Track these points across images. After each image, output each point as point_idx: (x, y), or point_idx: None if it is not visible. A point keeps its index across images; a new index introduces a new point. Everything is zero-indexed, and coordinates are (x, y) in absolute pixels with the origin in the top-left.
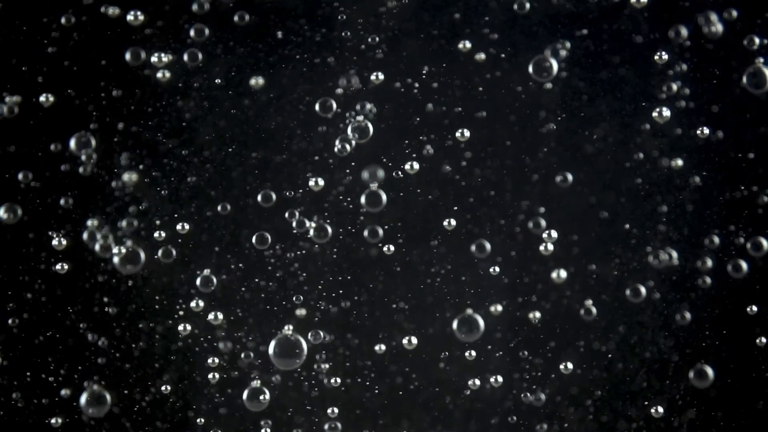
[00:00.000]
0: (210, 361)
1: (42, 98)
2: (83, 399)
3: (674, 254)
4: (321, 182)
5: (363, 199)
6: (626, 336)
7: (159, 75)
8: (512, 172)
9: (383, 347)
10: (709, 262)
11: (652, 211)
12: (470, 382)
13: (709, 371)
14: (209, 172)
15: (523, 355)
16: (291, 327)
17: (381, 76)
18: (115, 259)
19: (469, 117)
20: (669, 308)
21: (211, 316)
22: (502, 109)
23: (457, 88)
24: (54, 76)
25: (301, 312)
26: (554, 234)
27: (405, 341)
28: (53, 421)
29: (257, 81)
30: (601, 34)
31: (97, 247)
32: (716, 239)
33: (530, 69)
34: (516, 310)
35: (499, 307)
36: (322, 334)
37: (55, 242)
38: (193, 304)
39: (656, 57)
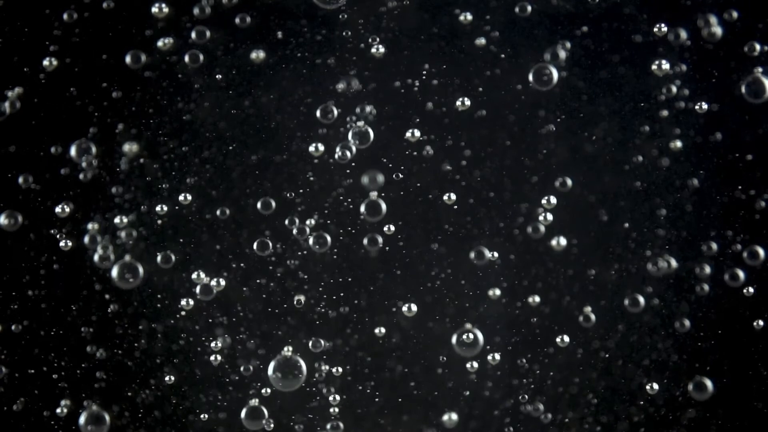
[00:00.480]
0: (212, 358)
1: (45, 62)
2: (82, 419)
3: (672, 261)
4: (321, 147)
5: (362, 209)
6: (624, 342)
7: (159, 44)
8: (511, 172)
9: (382, 330)
10: (708, 269)
11: (649, 215)
12: (468, 365)
13: (708, 383)
14: (209, 172)
15: (522, 362)
16: (290, 348)
17: (381, 49)
18: (113, 273)
19: (468, 116)
20: (668, 314)
21: (213, 282)
22: (502, 110)
23: (456, 88)
24: (54, 76)
25: (300, 299)
26: (553, 200)
27: (405, 308)
28: (58, 410)
29: (258, 54)
30: (601, 34)
31: (96, 257)
32: (714, 245)
33: (530, 77)
34: (515, 310)
35: (498, 291)
36: (322, 342)
37: (58, 209)
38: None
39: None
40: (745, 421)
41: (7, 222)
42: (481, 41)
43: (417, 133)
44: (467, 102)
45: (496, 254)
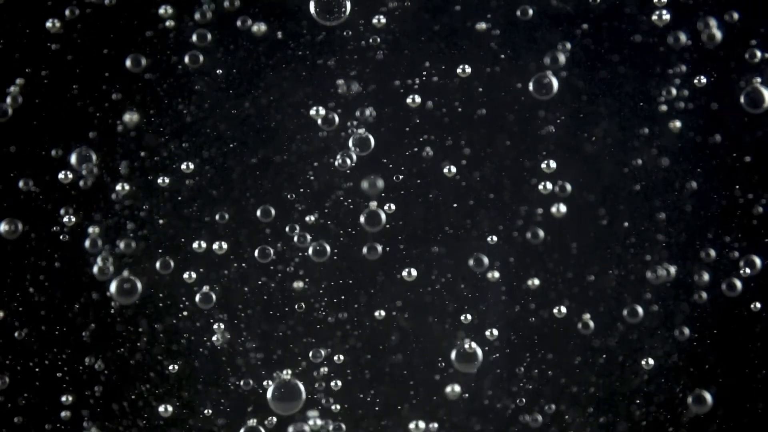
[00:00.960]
0: (215, 338)
1: (48, 24)
2: None
3: (671, 269)
4: (322, 111)
5: (362, 219)
6: (621, 349)
7: (161, 11)
8: (510, 173)
9: (382, 315)
10: (706, 276)
11: (648, 217)
12: (467, 344)
13: (708, 396)
14: (207, 176)
15: (519, 371)
16: (289, 372)
17: (382, 17)
18: (112, 289)
19: (468, 117)
20: (666, 320)
21: (215, 246)
22: (501, 110)
23: (456, 89)
24: (54, 78)
25: (298, 284)
26: (552, 164)
27: (405, 273)
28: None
29: (259, 27)
30: (600, 36)
31: (95, 269)
32: (712, 252)
33: (530, 87)
34: (513, 317)
35: (497, 274)
36: (323, 352)
37: (61, 175)
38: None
39: (655, 17)
40: (744, 421)
41: (7, 228)
42: (482, 26)
43: (418, 99)
44: (468, 69)
45: (495, 238)
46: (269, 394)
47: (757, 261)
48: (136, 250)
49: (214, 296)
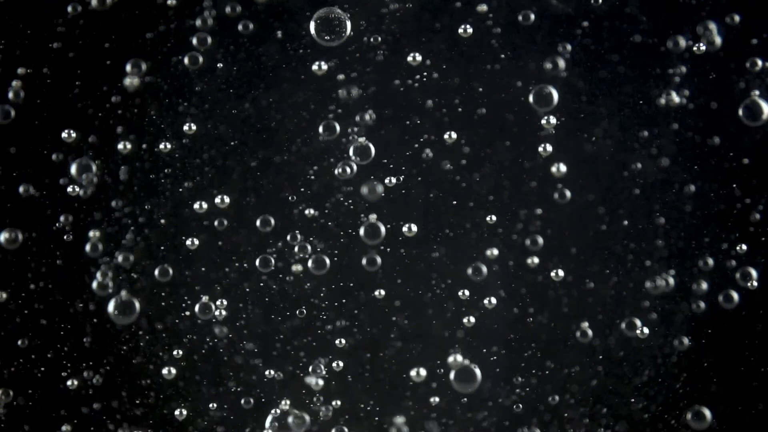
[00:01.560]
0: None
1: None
2: None
3: (671, 279)
4: (324, 66)
5: (362, 231)
6: (620, 362)
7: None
8: (509, 174)
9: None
10: (704, 285)
11: (646, 223)
12: (466, 320)
13: (707, 413)
14: (210, 174)
15: (517, 380)
16: (289, 402)
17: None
18: (110, 308)
19: (467, 117)
20: (666, 333)
21: (218, 200)
22: (501, 110)
23: (456, 89)
24: (53, 79)
25: (297, 268)
26: (553, 120)
27: (405, 229)
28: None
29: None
30: (600, 38)
31: (95, 284)
32: (710, 261)
33: (531, 99)
34: (513, 317)
35: (496, 252)
36: (322, 365)
37: (64, 135)
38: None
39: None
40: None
41: (8, 236)
42: (483, 7)
43: (419, 57)
44: (469, 30)
45: (493, 218)
46: (268, 423)
47: (753, 272)
48: (135, 256)
49: (213, 306)
